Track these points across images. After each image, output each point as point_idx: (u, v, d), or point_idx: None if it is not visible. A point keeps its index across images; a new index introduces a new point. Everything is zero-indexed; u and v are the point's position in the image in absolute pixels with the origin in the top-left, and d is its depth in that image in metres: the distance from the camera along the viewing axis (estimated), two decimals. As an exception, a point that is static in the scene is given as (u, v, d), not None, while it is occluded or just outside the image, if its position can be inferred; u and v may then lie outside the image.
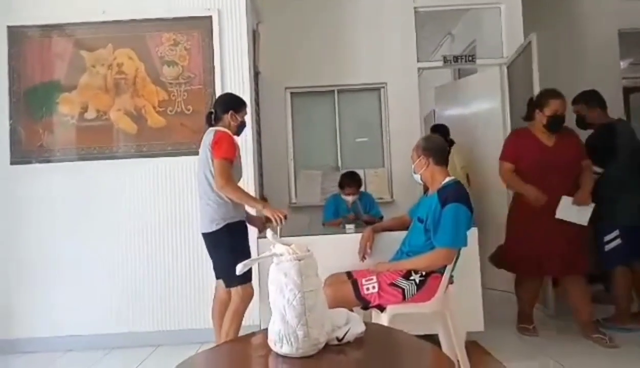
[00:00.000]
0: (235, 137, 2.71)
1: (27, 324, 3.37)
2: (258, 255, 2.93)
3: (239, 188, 2.59)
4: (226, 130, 2.67)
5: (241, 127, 2.79)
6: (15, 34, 3.49)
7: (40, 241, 3.41)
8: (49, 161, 3.45)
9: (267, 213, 2.57)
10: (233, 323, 2.60)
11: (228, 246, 2.56)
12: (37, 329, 3.37)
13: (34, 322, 3.37)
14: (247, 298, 2.63)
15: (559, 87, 3.09)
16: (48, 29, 3.49)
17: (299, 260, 1.28)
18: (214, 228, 2.58)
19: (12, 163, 3.43)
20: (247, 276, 2.57)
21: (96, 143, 3.46)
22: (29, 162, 3.44)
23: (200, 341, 3.17)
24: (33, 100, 3.46)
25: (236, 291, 2.60)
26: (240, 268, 1.32)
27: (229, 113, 2.71)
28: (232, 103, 2.76)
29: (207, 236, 2.65)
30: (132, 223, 3.43)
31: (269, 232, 1.39)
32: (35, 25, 3.49)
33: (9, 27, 3.47)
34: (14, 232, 3.42)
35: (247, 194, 2.63)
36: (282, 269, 1.29)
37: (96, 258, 3.41)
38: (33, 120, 3.45)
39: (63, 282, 3.39)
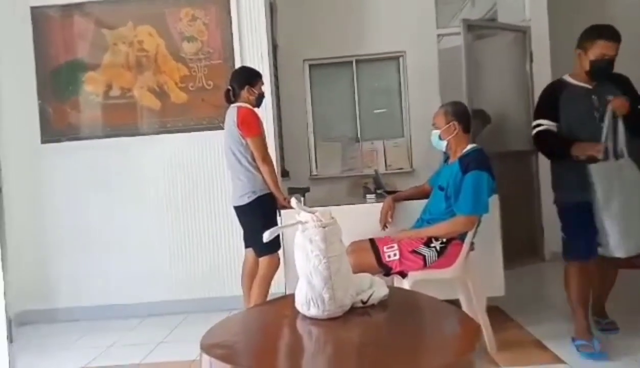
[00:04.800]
0: (257, 109, 2.78)
1: (65, 294, 3.56)
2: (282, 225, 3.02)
3: (274, 171, 2.74)
4: (247, 105, 2.74)
5: (260, 98, 2.84)
6: (38, 15, 3.56)
7: (74, 215, 3.57)
8: (77, 139, 3.56)
9: (281, 202, 2.73)
10: (262, 290, 2.71)
11: (259, 217, 2.67)
12: (74, 299, 3.56)
13: (71, 292, 3.56)
14: (274, 266, 2.74)
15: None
16: (69, 9, 3.56)
17: (324, 227, 1.32)
18: (245, 201, 2.70)
19: (42, 142, 3.57)
20: (275, 246, 2.68)
21: (122, 120, 3.55)
22: (59, 141, 3.57)
23: (229, 308, 3.29)
24: (59, 80, 3.55)
25: (264, 260, 2.71)
26: (267, 236, 1.38)
27: (245, 88, 2.76)
28: (247, 77, 2.80)
29: (238, 209, 2.78)
30: (158, 197, 3.55)
31: (293, 201, 1.43)
32: (57, 5, 3.55)
33: (32, 8, 3.54)
34: (48, 207, 3.57)
35: (276, 180, 2.76)
36: (308, 236, 1.33)
37: (125, 231, 3.55)
38: (61, 100, 3.56)
39: (93, 254, 3.55)
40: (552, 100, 2.46)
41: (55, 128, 3.56)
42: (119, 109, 3.55)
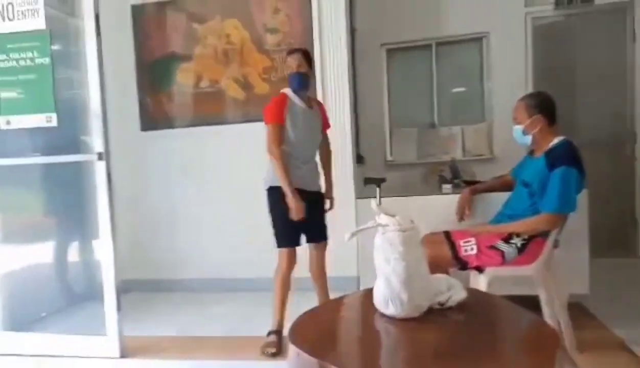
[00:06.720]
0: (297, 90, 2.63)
1: (161, 267, 3.94)
2: (357, 216, 3.09)
3: (279, 163, 2.50)
4: (284, 91, 2.67)
5: (292, 78, 2.62)
6: (137, 12, 3.87)
7: (170, 196, 3.89)
8: (171, 127, 3.87)
9: (289, 201, 2.50)
10: (276, 284, 2.63)
11: (271, 207, 2.66)
12: (170, 271, 3.92)
13: (166, 266, 3.93)
14: (284, 262, 2.62)
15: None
16: (164, 5, 3.82)
17: (404, 231, 1.39)
18: (265, 188, 2.69)
19: (142, 129, 3.92)
20: (290, 240, 2.62)
21: (210, 109, 3.79)
22: (156, 129, 3.90)
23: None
24: (157, 72, 3.86)
25: (279, 253, 2.65)
26: (348, 237, 1.46)
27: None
28: None
29: None
30: (245, 181, 3.76)
31: (373, 204, 1.51)
32: (154, 2, 3.83)
33: (132, 5, 3.86)
34: (147, 189, 3.93)
35: (283, 173, 2.51)
36: (388, 239, 1.40)
37: (215, 213, 3.82)
38: (157, 91, 3.87)
39: (188, 232, 3.87)
40: None
41: (153, 117, 3.90)
42: (208, 99, 3.80)
